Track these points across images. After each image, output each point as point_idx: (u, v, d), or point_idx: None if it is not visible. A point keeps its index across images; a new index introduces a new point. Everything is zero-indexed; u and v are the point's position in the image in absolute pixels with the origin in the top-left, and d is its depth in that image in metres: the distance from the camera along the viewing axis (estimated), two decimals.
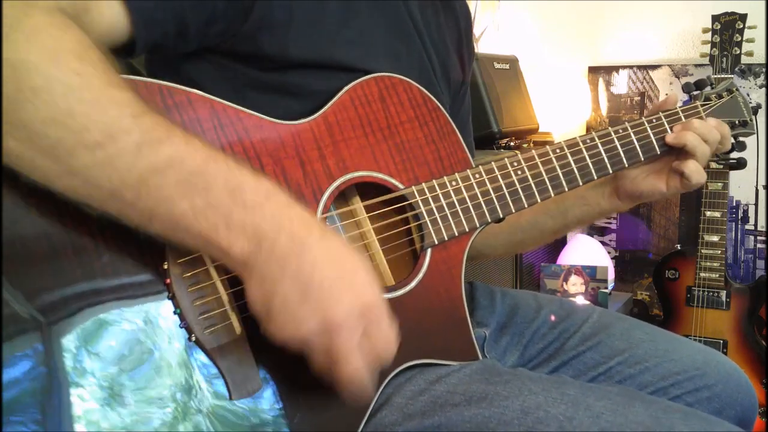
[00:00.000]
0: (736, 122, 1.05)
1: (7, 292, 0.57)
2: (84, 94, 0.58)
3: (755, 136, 1.09)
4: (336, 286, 0.62)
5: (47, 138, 0.57)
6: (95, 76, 0.59)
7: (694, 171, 0.95)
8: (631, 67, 2.75)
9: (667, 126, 0.98)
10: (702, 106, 1.02)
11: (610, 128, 0.95)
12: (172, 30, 0.71)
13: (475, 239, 0.87)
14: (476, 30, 2.51)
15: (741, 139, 1.07)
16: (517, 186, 0.87)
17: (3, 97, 0.56)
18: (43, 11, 0.59)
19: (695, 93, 1.06)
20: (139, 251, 0.65)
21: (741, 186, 2.56)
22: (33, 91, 0.56)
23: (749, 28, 2.20)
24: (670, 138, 0.97)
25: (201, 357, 0.66)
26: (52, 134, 0.57)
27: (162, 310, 0.65)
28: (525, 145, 2.15)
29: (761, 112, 2.50)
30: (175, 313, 0.65)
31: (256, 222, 0.61)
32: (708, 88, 1.06)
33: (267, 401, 0.69)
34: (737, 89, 1.07)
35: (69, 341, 0.60)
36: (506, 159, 0.88)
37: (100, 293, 0.62)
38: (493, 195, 0.86)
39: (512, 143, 2.07)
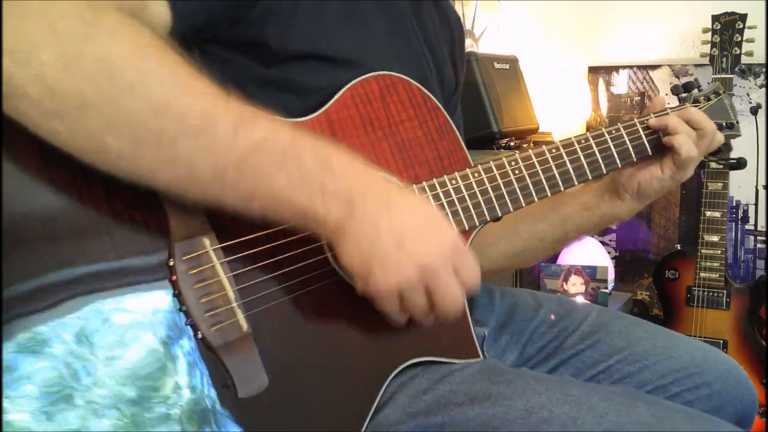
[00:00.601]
0: (724, 124, 1.06)
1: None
2: (176, 84, 0.60)
3: (755, 136, 1.10)
4: (425, 233, 0.68)
5: (149, 130, 0.58)
6: (180, 67, 0.61)
7: (683, 142, 0.94)
8: (631, 67, 2.75)
9: None
10: (691, 107, 1.03)
11: (603, 129, 0.96)
12: (200, 21, 0.72)
13: (471, 251, 0.87)
14: (476, 30, 2.52)
15: (728, 141, 1.08)
16: (515, 185, 0.88)
17: (98, 95, 0.56)
18: (113, 10, 0.60)
19: (683, 95, 1.07)
20: (143, 247, 0.65)
21: (741, 186, 2.56)
22: (129, 85, 0.57)
23: (749, 28, 2.21)
24: (653, 121, 0.97)
25: (181, 358, 0.65)
26: (154, 125, 0.58)
27: (156, 304, 0.64)
28: (525, 145, 2.15)
29: (761, 112, 2.52)
30: (180, 310, 0.65)
31: (347, 187, 0.65)
32: (696, 91, 1.07)
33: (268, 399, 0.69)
34: (724, 92, 1.08)
35: (45, 332, 0.58)
36: (504, 159, 0.88)
37: (97, 285, 0.62)
38: (491, 194, 0.86)
39: (512, 143, 2.07)
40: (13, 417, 0.56)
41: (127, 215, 0.64)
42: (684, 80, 1.13)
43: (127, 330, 0.62)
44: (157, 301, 0.64)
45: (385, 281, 0.66)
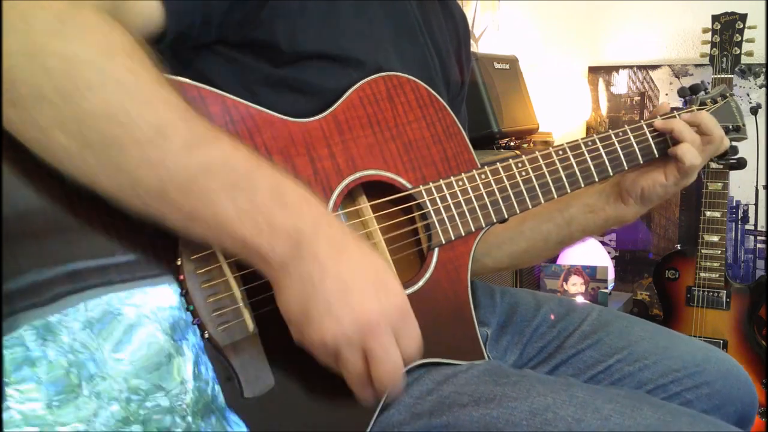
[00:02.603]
0: (730, 127, 1.06)
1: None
2: (136, 92, 0.58)
3: (755, 136, 1.09)
4: (373, 288, 0.64)
5: (99, 134, 0.57)
6: (146, 74, 0.59)
7: (686, 150, 0.94)
8: (631, 67, 2.75)
9: None
10: (697, 110, 1.03)
11: (610, 131, 0.96)
12: (198, 20, 0.72)
13: (476, 251, 0.88)
14: (476, 30, 2.52)
15: (734, 144, 1.08)
16: (522, 187, 0.88)
17: (55, 90, 0.55)
18: (91, 9, 0.59)
19: (690, 97, 1.06)
20: (152, 244, 0.65)
21: (741, 186, 2.56)
22: (88, 87, 0.56)
23: (749, 28, 2.21)
24: (659, 123, 0.97)
25: (188, 352, 0.65)
26: (105, 130, 0.57)
27: (162, 300, 0.65)
28: (525, 145, 2.16)
29: (761, 112, 2.52)
30: (188, 309, 0.65)
31: (297, 225, 0.62)
32: (702, 93, 1.06)
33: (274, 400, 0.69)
34: (731, 94, 1.08)
35: (51, 324, 0.58)
36: (510, 160, 0.88)
37: (104, 280, 0.62)
38: (498, 195, 0.86)
39: (512, 143, 2.08)
40: (22, 407, 0.56)
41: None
42: (684, 80, 1.13)
43: (134, 324, 0.62)
44: (163, 296, 0.64)
45: (319, 333, 0.62)
